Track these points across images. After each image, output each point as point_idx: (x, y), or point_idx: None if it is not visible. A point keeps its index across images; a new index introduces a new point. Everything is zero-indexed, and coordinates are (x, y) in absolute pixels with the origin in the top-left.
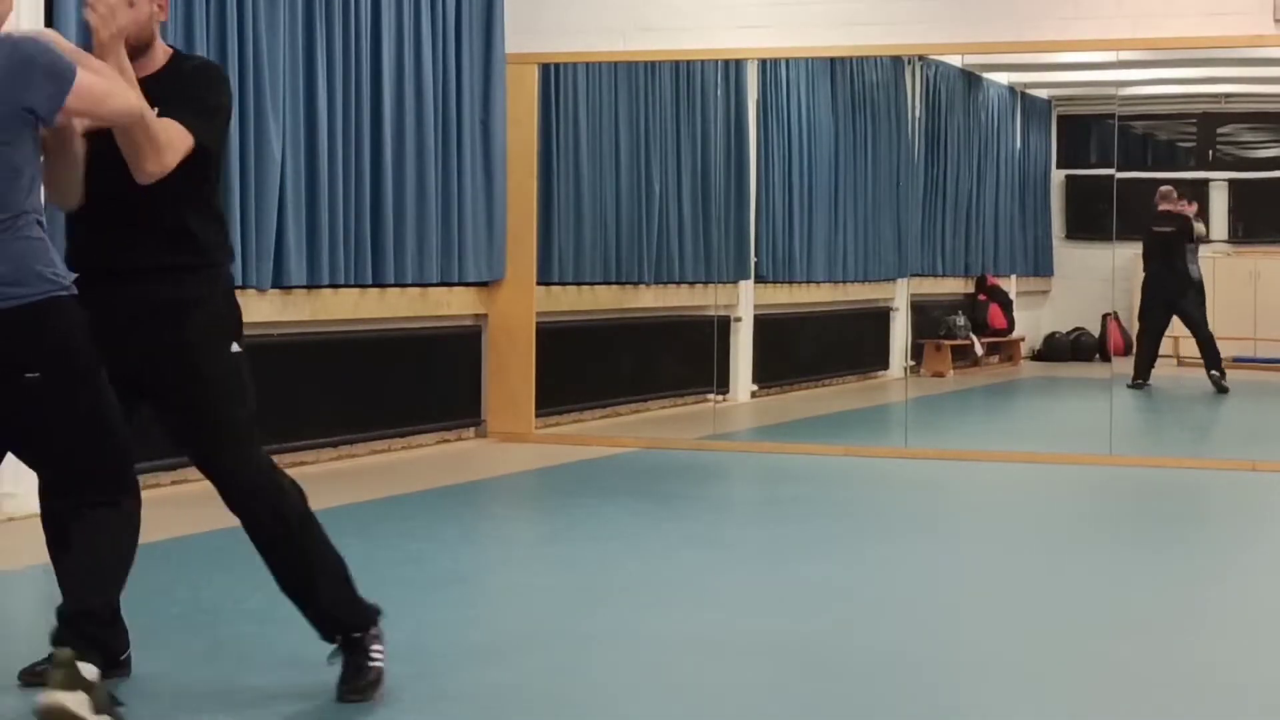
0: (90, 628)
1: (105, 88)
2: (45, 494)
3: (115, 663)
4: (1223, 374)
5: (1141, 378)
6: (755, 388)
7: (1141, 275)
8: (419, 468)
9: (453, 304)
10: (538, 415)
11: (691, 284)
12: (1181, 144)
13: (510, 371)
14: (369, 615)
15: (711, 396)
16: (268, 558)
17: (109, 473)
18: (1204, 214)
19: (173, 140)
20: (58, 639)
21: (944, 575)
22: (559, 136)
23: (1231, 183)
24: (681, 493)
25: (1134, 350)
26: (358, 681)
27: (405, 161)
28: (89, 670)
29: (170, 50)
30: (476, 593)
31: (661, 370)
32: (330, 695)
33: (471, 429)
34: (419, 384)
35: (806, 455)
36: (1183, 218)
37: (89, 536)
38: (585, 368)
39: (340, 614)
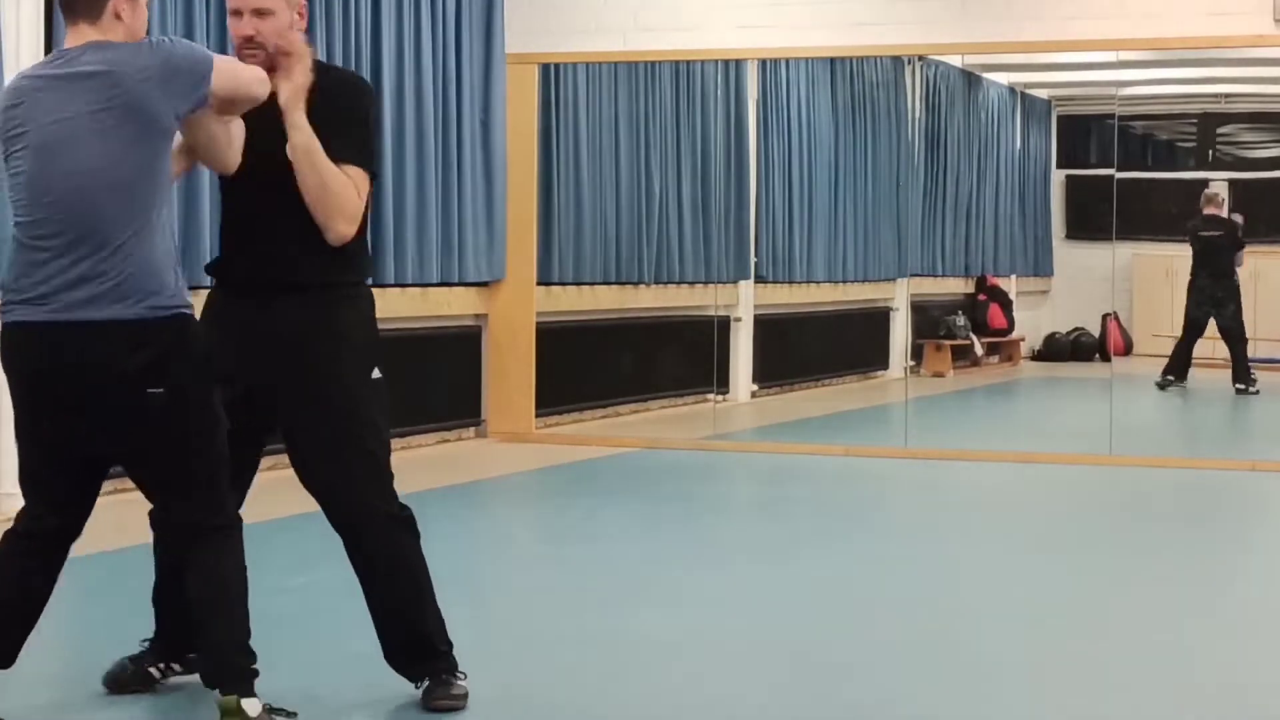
0: (242, 660)
1: (240, 67)
2: (158, 521)
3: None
4: (1249, 386)
5: (1173, 375)
6: (755, 388)
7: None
8: (419, 468)
9: (453, 304)
10: (538, 415)
11: (691, 284)
12: (1181, 144)
13: (510, 371)
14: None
15: (711, 396)
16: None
17: (213, 499)
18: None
19: (350, 203)
20: (212, 681)
21: (943, 575)
22: (559, 136)
23: (1231, 183)
24: (681, 493)
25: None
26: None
27: (405, 161)
28: (252, 706)
29: (314, 59)
30: (476, 593)
31: (661, 370)
32: (330, 694)
33: (471, 429)
34: (419, 384)
35: (806, 455)
36: (1230, 223)
37: (210, 575)
38: (585, 368)
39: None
